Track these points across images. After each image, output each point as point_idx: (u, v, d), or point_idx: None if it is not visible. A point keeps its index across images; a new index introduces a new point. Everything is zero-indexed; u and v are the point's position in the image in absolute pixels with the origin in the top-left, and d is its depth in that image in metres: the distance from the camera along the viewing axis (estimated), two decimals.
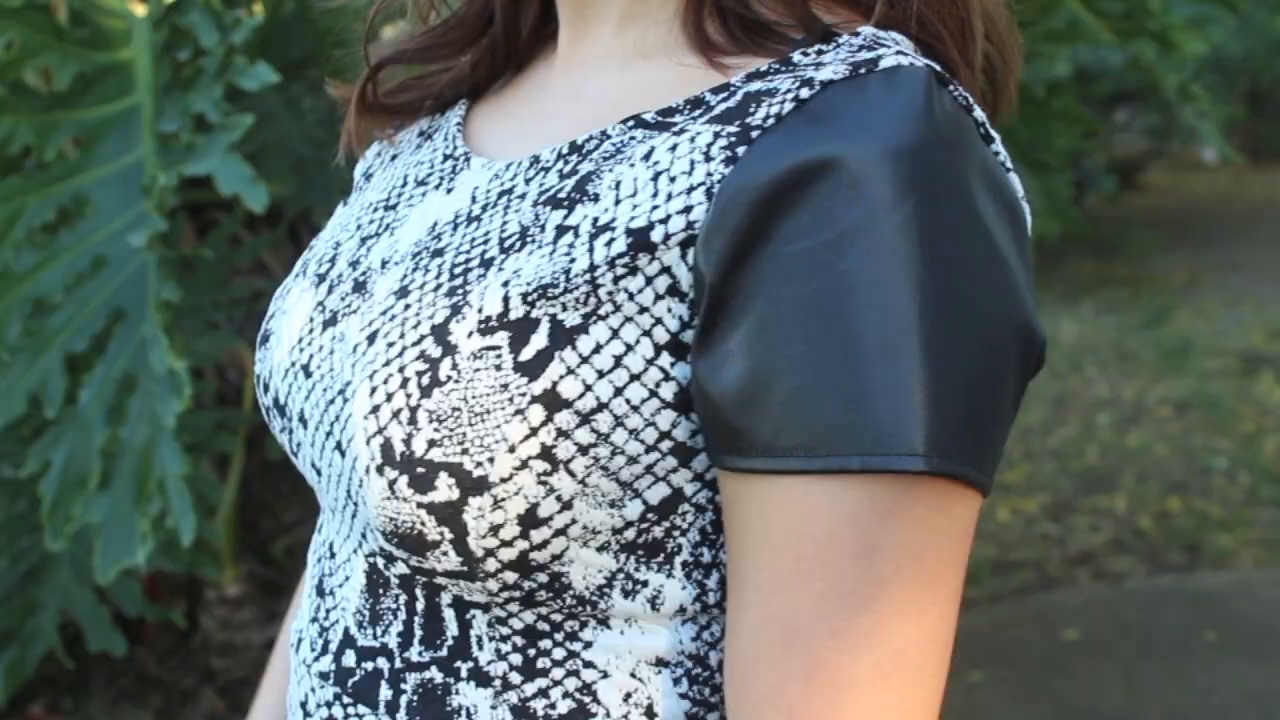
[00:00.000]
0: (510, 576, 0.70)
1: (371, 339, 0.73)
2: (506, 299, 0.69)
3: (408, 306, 0.73)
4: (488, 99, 0.93)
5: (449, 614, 0.75)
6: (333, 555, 0.83)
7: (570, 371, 0.68)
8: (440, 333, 0.70)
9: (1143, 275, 8.63)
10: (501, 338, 0.69)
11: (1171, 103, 2.99)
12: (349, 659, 0.80)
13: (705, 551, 0.72)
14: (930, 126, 0.65)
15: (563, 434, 0.67)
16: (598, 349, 0.68)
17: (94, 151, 2.05)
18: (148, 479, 1.91)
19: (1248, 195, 11.50)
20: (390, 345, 0.71)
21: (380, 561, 0.77)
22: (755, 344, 0.65)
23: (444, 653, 0.76)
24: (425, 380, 0.69)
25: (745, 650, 0.67)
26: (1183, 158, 12.87)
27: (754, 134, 0.68)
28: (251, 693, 3.44)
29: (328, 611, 0.82)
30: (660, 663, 0.74)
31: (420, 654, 0.76)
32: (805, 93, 0.68)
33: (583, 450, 0.68)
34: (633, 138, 0.73)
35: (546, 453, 0.67)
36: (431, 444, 0.68)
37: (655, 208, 0.69)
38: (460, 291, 0.71)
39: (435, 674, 0.76)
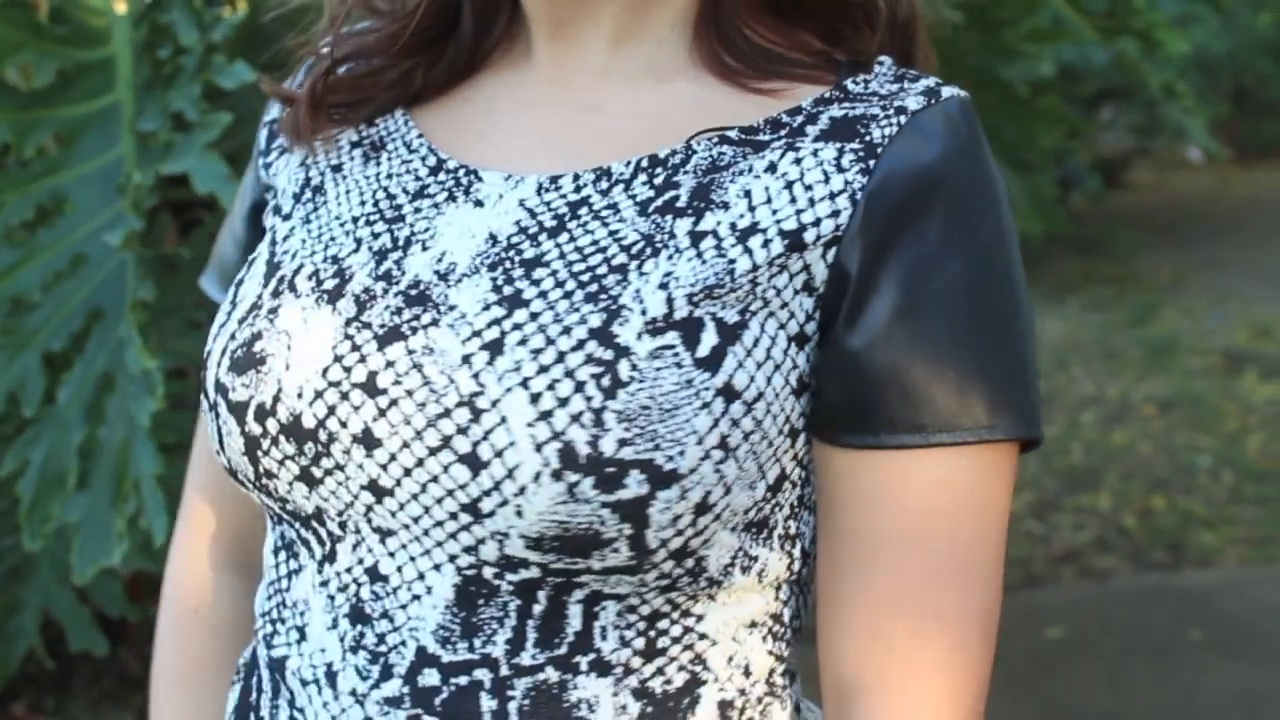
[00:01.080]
0: (668, 565, 0.75)
1: (495, 348, 0.74)
2: (670, 300, 0.75)
3: (535, 315, 0.75)
4: (432, 108, 0.90)
5: (574, 610, 0.77)
6: (378, 579, 0.79)
7: (740, 365, 0.75)
8: (604, 336, 0.73)
9: (1128, 274, 8.65)
10: (673, 337, 0.74)
11: (1156, 101, 3.00)
12: (429, 678, 0.78)
13: (792, 524, 0.81)
14: (986, 146, 0.80)
15: (734, 424, 0.74)
16: (755, 343, 0.76)
17: (74, 149, 2.04)
18: (125, 479, 1.90)
19: (1233, 194, 11.53)
20: (538, 352, 0.73)
21: (489, 572, 0.76)
22: (898, 334, 0.76)
23: (562, 650, 0.78)
24: (606, 382, 0.72)
25: (880, 607, 0.78)
26: (1168, 156, 12.90)
27: (878, 150, 0.78)
28: None
29: (381, 636, 0.79)
30: (751, 625, 0.82)
31: (534, 656, 0.78)
32: (903, 119, 0.78)
33: (745, 438, 0.75)
34: (723, 153, 0.80)
35: (723, 442, 0.74)
36: (622, 443, 0.72)
37: (801, 212, 0.77)
38: (605, 297, 0.75)
39: (551, 673, 0.78)
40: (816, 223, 0.77)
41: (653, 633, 0.79)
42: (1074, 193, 9.60)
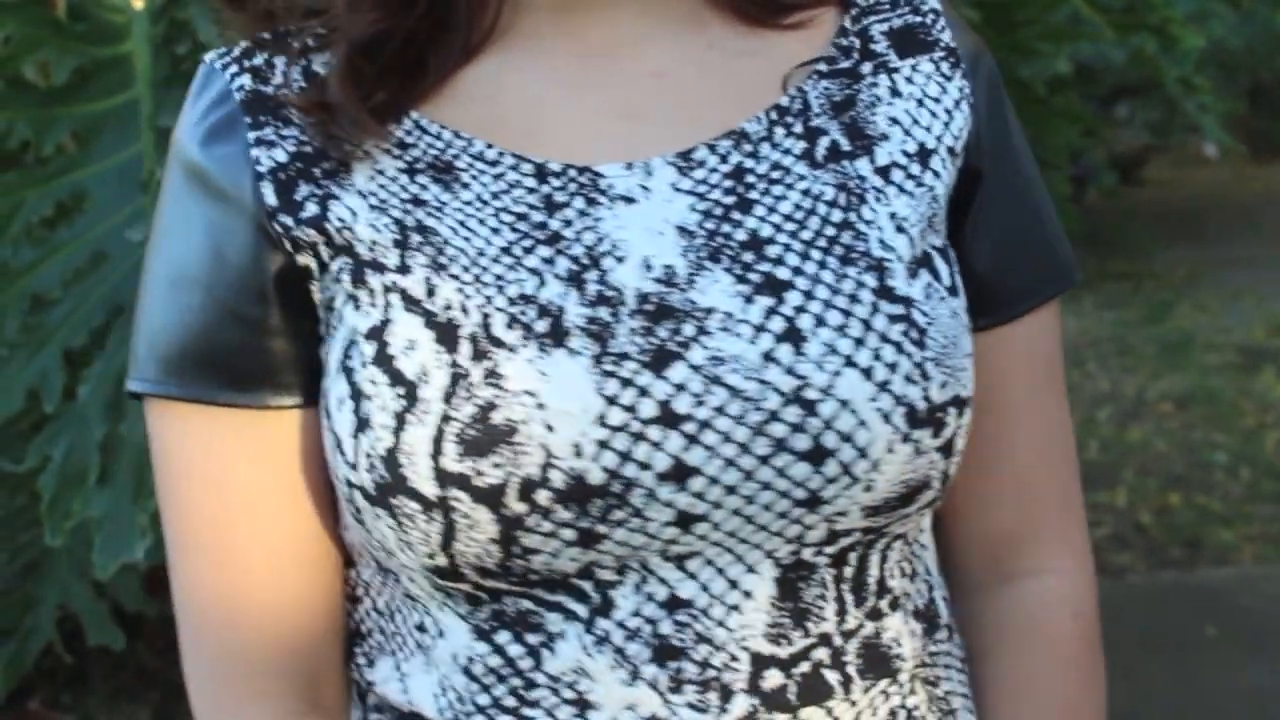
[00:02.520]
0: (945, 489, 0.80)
1: (795, 337, 0.73)
2: (911, 240, 0.79)
3: (809, 294, 0.74)
4: (436, 104, 0.79)
5: (874, 560, 0.80)
6: (679, 606, 0.75)
7: (959, 281, 0.81)
8: (886, 292, 0.76)
9: (1144, 270, 8.62)
10: (926, 274, 0.78)
11: (1173, 97, 2.99)
12: (773, 679, 0.77)
13: None
14: None
15: (971, 335, 0.81)
16: (948, 252, 0.82)
17: (93, 146, 2.05)
18: (146, 474, 1.90)
19: (1249, 190, 11.49)
20: (842, 328, 0.74)
21: (809, 553, 0.76)
22: (1016, 216, 0.87)
23: (870, 601, 0.80)
24: (915, 334, 0.75)
25: (1036, 450, 0.90)
26: (1184, 153, 12.85)
27: (958, 53, 0.84)
28: None
29: (703, 663, 0.75)
30: (923, 527, 0.86)
31: (856, 617, 0.79)
32: (940, 19, 0.85)
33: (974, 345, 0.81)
34: (830, 90, 0.82)
35: (972, 354, 0.80)
36: (943, 386, 0.76)
37: (948, 125, 0.83)
38: (857, 254, 0.76)
39: (869, 626, 0.80)
40: (959, 133, 0.83)
41: (912, 557, 0.83)
42: (1090, 189, 9.58)
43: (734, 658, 0.76)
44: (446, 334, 0.73)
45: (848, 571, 0.78)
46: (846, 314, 0.74)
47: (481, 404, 0.71)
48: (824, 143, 0.80)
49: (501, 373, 0.71)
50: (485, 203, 0.76)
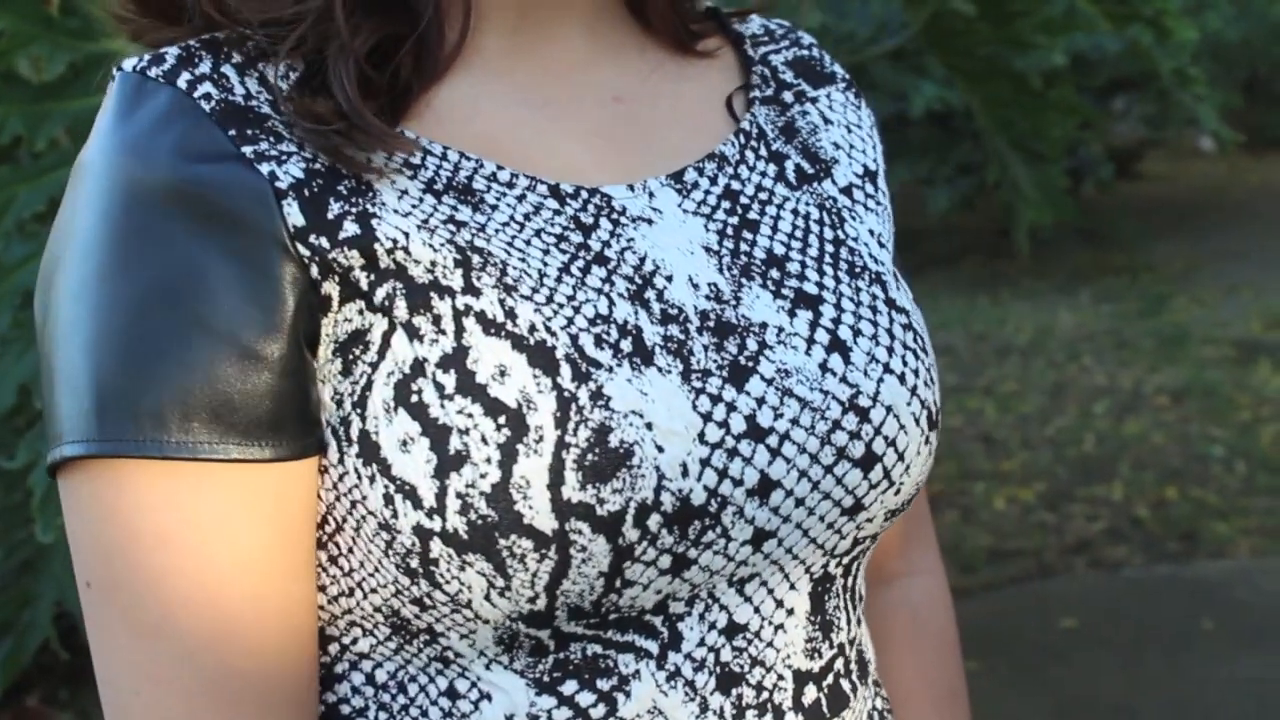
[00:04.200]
0: None
1: (841, 348, 0.74)
2: (889, 255, 0.83)
3: (839, 306, 0.76)
4: (420, 122, 0.74)
5: (860, 568, 0.81)
6: (736, 632, 0.74)
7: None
8: (892, 304, 0.79)
9: (1140, 264, 8.63)
10: (904, 286, 0.82)
11: (1169, 90, 2.99)
12: (811, 694, 0.77)
13: None
14: None
15: None
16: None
17: (86, 142, 2.04)
18: None
19: (1245, 183, 11.49)
20: (874, 337, 0.76)
21: (833, 565, 0.77)
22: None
23: (859, 608, 0.82)
24: (921, 342, 0.79)
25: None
26: (1180, 146, 12.86)
27: (852, 86, 0.90)
28: None
29: (758, 686, 0.75)
30: None
31: (853, 625, 0.81)
32: (817, 50, 0.90)
33: None
34: (770, 115, 0.85)
35: None
36: (936, 389, 0.79)
37: (873, 149, 0.88)
38: (859, 268, 0.79)
39: (857, 633, 0.82)
40: (879, 158, 0.88)
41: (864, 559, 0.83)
42: (1086, 183, 9.58)
43: (781, 677, 0.75)
44: (541, 357, 0.67)
45: (849, 581, 0.80)
46: (874, 324, 0.76)
47: (595, 427, 0.66)
48: (789, 166, 0.82)
49: (607, 393, 0.67)
50: (520, 225, 0.72)
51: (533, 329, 0.68)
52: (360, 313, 0.68)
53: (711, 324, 0.72)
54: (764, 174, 0.81)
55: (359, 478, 0.68)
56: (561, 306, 0.69)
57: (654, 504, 0.67)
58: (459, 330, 0.67)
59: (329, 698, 0.75)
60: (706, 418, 0.68)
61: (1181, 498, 4.69)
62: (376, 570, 0.69)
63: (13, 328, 1.97)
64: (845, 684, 0.79)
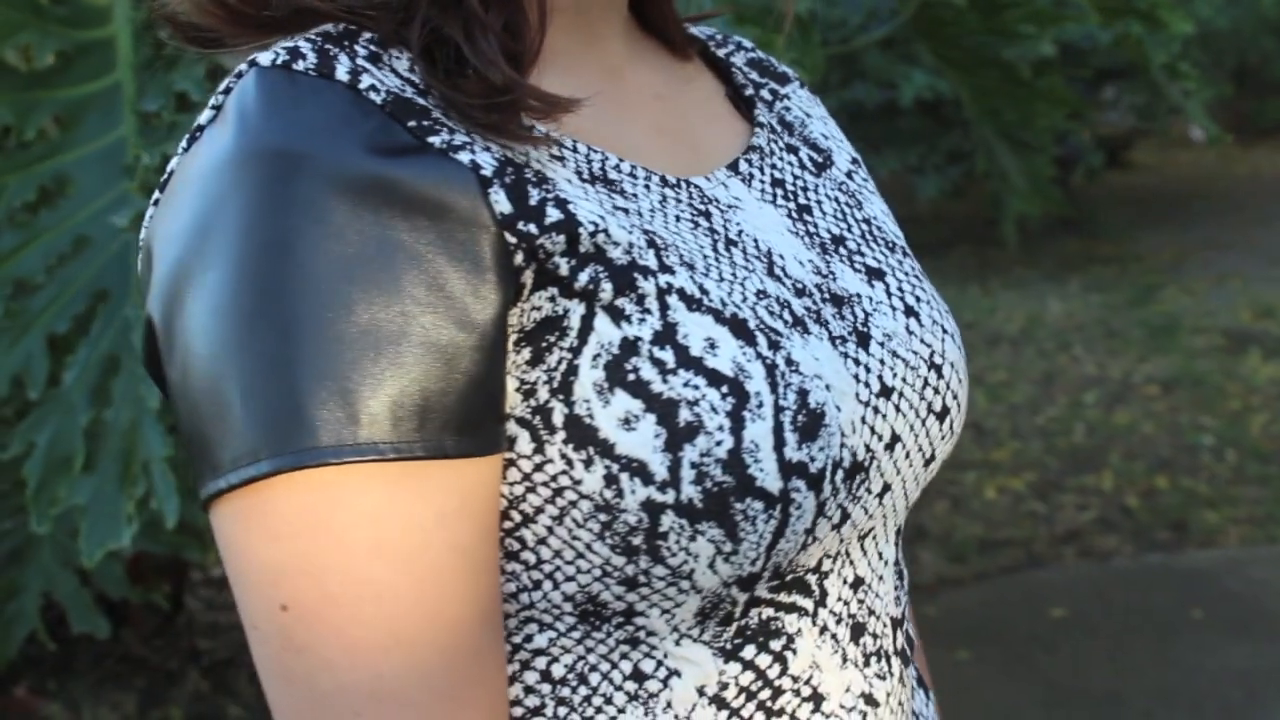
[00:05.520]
0: None
1: (912, 313, 0.81)
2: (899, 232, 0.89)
3: (897, 277, 0.83)
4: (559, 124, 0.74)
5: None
6: (859, 586, 0.79)
7: None
8: (924, 274, 0.87)
9: (1129, 254, 8.64)
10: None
11: (1159, 80, 2.98)
12: (900, 640, 0.84)
13: None
14: None
15: None
16: None
17: (75, 130, 2.04)
18: (132, 461, 1.90)
19: (1234, 173, 11.52)
20: (929, 302, 0.83)
21: (905, 515, 0.84)
22: None
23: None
24: (946, 307, 0.86)
25: None
26: (1170, 136, 12.88)
27: (804, 84, 0.94)
28: (236, 673, 3.44)
29: (875, 635, 0.80)
30: None
31: (898, 577, 0.86)
32: (765, 54, 0.96)
33: None
34: (765, 111, 0.89)
35: None
36: None
37: (845, 138, 0.94)
38: (890, 243, 0.86)
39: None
40: (852, 148, 0.92)
41: None
42: (1075, 172, 9.59)
43: (884, 624, 0.81)
44: (740, 328, 0.69)
45: (898, 533, 0.85)
46: (924, 290, 0.84)
47: (797, 391, 0.69)
48: (805, 156, 0.88)
49: (795, 359, 0.70)
50: (661, 211, 0.73)
51: (724, 303, 0.70)
52: (552, 299, 0.66)
53: (828, 296, 0.77)
54: (791, 164, 0.86)
55: (569, 464, 0.67)
56: (732, 283, 0.72)
57: (839, 461, 0.70)
58: (663, 308, 0.68)
59: (509, 693, 0.74)
60: (856, 379, 0.73)
61: (1171, 487, 4.70)
62: (579, 556, 0.69)
63: (4, 318, 1.97)
64: (911, 629, 0.87)
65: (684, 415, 0.67)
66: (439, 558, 0.64)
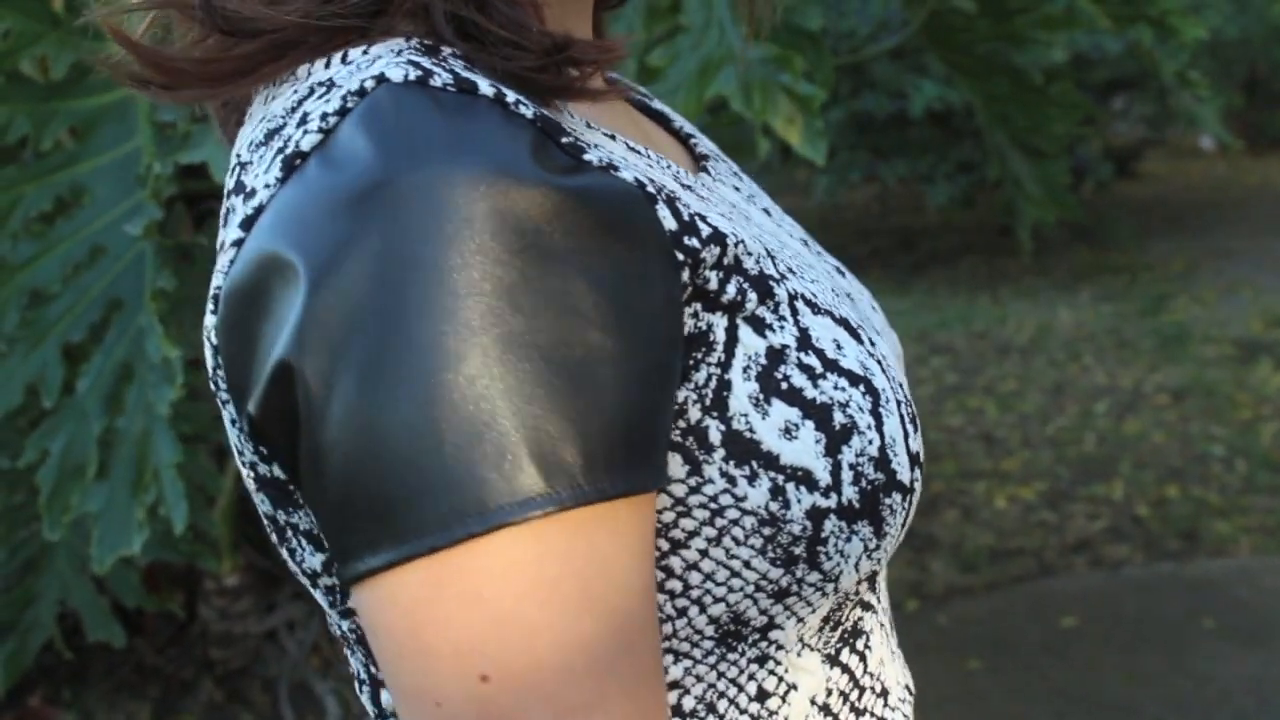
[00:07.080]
0: None
1: (878, 306, 0.86)
2: None
3: (849, 273, 0.87)
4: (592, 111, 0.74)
5: None
6: (879, 579, 0.80)
7: None
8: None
9: (1140, 263, 8.63)
10: None
11: (1169, 90, 2.99)
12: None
13: None
14: None
15: None
16: None
17: (91, 141, 2.05)
18: (145, 468, 1.91)
19: (1245, 182, 11.50)
20: (870, 297, 0.87)
21: None
22: None
23: None
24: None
25: None
26: (1180, 145, 12.87)
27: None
28: (250, 683, 3.45)
29: (892, 627, 0.83)
30: None
31: None
32: None
33: None
34: (683, 127, 0.90)
35: None
36: None
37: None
38: (813, 244, 0.87)
39: None
40: None
41: None
42: (1086, 182, 9.59)
43: (888, 614, 0.82)
44: (848, 327, 0.70)
45: None
46: (862, 286, 0.86)
47: (898, 383, 0.71)
48: (730, 165, 0.89)
49: (881, 353, 0.72)
50: (732, 213, 0.75)
51: (830, 304, 0.71)
52: (695, 315, 0.64)
53: (840, 290, 0.79)
54: (734, 171, 0.86)
55: (731, 481, 0.65)
56: (817, 282, 0.73)
57: (917, 456, 0.71)
58: (794, 313, 0.68)
59: None
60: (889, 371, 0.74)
61: (1182, 496, 4.70)
62: (734, 575, 0.66)
63: (19, 327, 1.98)
64: None
65: (838, 418, 0.66)
66: (632, 603, 0.59)
